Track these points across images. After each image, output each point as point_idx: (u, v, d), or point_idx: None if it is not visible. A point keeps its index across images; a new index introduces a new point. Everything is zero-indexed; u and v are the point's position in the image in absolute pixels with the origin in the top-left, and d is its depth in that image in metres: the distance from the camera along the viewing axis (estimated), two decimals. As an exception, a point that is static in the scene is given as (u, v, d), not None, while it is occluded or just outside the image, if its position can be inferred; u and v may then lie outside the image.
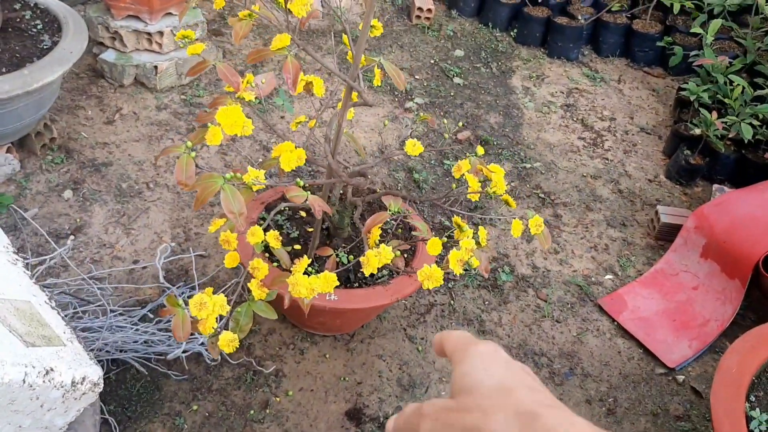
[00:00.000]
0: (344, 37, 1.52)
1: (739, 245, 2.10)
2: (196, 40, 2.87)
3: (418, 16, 3.49)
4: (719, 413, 1.48)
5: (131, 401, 1.66)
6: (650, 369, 1.97)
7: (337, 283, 1.33)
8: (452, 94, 3.05)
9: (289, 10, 1.25)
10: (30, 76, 1.97)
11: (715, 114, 2.53)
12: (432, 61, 3.26)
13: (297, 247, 1.71)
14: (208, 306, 1.30)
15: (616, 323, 2.09)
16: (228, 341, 1.31)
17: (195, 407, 1.67)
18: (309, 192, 1.35)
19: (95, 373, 1.00)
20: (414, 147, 1.58)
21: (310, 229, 1.87)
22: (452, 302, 2.07)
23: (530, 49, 3.49)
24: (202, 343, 1.72)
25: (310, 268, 1.38)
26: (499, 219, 2.39)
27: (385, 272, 1.76)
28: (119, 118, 2.55)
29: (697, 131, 2.61)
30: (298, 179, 1.39)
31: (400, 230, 1.82)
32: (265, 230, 1.42)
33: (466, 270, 2.13)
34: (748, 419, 1.46)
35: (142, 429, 1.61)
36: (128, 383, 1.70)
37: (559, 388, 1.88)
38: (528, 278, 2.20)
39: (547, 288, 2.18)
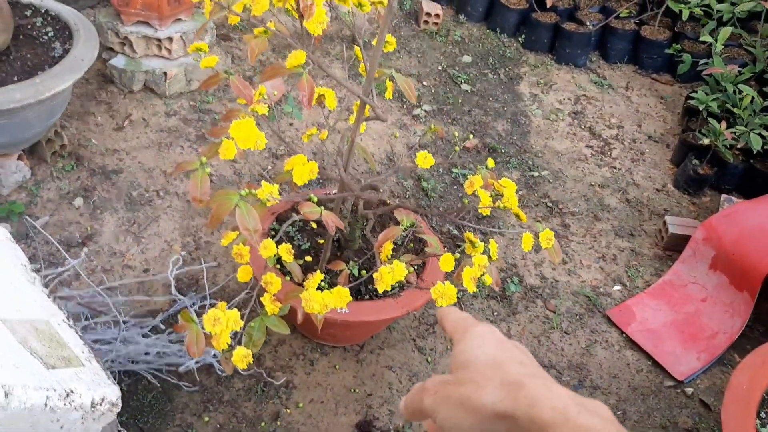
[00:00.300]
0: (357, 50, 1.52)
1: (747, 257, 2.10)
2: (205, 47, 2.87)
3: (426, 21, 3.49)
4: (730, 430, 1.48)
5: (143, 412, 1.67)
6: (659, 381, 1.98)
7: (350, 299, 1.34)
8: (460, 101, 3.05)
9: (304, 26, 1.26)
10: (42, 85, 1.97)
11: (724, 124, 2.53)
12: (440, 67, 3.26)
13: (308, 258, 1.71)
14: (222, 322, 1.30)
15: (624, 335, 2.09)
16: (242, 357, 1.31)
17: (206, 419, 1.68)
18: (322, 207, 1.36)
19: (113, 393, 1.00)
20: (425, 159, 1.58)
21: (321, 241, 1.88)
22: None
23: (538, 55, 3.49)
24: (214, 355, 1.73)
25: (322, 283, 1.38)
26: (507, 229, 2.40)
27: (395, 285, 1.76)
28: (129, 124, 2.56)
29: (706, 141, 2.61)
30: (311, 194, 1.39)
31: (411, 244, 1.83)
32: (278, 243, 1.43)
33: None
34: (759, 437, 1.46)
35: (153, 440, 1.62)
36: (140, 394, 1.70)
37: (567, 400, 1.88)
38: (536, 289, 2.21)
39: (556, 299, 2.18)
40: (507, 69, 3.33)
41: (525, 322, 2.09)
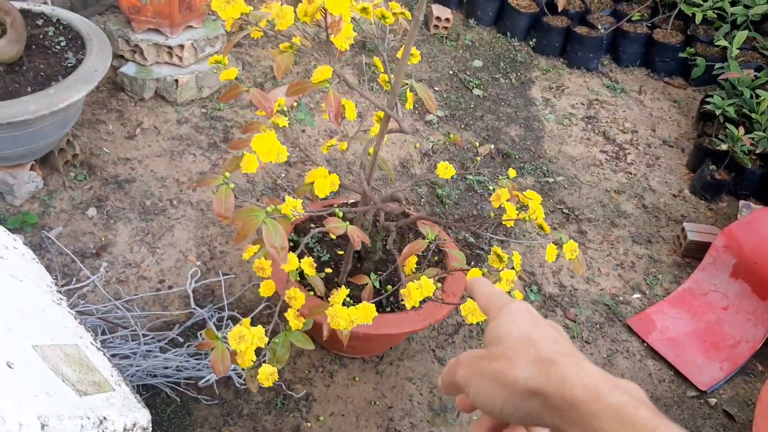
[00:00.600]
0: (376, 60, 1.50)
1: (769, 265, 2.08)
2: (216, 52, 2.85)
3: (436, 26, 3.47)
4: (761, 444, 1.46)
5: (162, 426, 1.65)
6: (681, 392, 1.95)
7: (376, 314, 1.32)
8: (472, 106, 3.03)
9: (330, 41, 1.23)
10: (56, 96, 1.95)
11: (742, 129, 2.50)
12: (451, 72, 3.23)
13: (328, 270, 1.69)
14: (247, 339, 1.28)
15: (645, 344, 2.07)
16: (267, 375, 1.29)
17: (226, 434, 1.66)
18: (348, 223, 1.33)
19: (144, 417, 0.98)
20: (446, 170, 1.57)
21: (340, 252, 1.86)
22: (480, 323, 2.05)
23: (549, 59, 3.46)
24: (233, 368, 1.71)
25: (346, 297, 1.36)
26: (524, 237, 2.37)
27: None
28: (140, 132, 2.54)
29: (724, 146, 2.58)
30: (336, 209, 1.37)
31: (435, 258, 1.80)
32: (299, 256, 1.41)
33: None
34: (791, 452, 1.44)
35: (173, 456, 1.60)
36: (158, 408, 1.68)
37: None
38: (555, 297, 2.18)
39: (575, 307, 2.16)
40: (518, 73, 3.31)
41: (544, 332, 2.06)
